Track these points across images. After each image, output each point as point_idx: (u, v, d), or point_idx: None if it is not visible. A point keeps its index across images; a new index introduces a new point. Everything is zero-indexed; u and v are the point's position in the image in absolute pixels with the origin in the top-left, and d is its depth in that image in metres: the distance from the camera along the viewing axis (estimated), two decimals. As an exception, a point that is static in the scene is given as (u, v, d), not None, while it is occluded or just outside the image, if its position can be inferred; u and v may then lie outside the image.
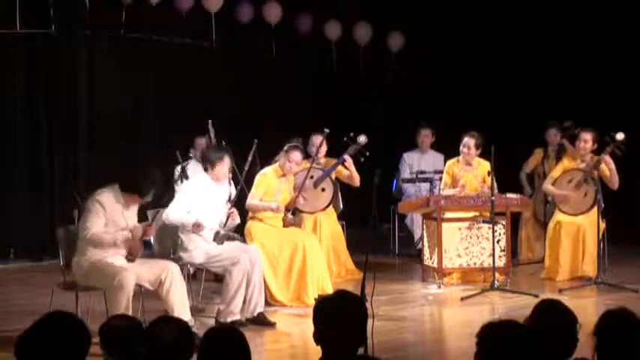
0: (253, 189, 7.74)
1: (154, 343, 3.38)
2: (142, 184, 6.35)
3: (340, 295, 3.49)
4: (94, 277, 6.20)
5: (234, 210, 7.11)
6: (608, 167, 8.56)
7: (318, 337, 3.35)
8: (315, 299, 7.35)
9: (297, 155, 7.73)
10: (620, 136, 8.45)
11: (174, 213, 6.88)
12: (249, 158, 8.10)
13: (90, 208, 6.26)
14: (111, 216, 6.26)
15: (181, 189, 7.11)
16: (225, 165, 7.08)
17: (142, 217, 6.70)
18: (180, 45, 10.90)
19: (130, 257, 6.25)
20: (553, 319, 3.61)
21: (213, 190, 7.08)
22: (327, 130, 8.65)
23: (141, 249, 6.36)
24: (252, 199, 7.71)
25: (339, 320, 3.33)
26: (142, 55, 10.75)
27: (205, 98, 10.73)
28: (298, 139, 8.27)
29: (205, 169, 7.16)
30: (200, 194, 6.97)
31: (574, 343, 3.56)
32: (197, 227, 6.82)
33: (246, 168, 8.12)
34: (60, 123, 10.31)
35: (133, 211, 6.46)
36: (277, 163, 7.84)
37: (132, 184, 6.36)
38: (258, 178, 7.76)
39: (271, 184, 7.74)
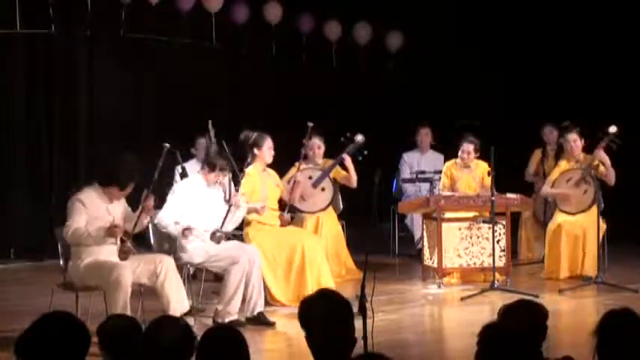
0: (240, 188, 7.73)
1: (154, 343, 3.38)
2: (119, 174, 6.31)
3: (323, 296, 3.46)
4: (90, 276, 6.19)
5: (233, 203, 7.08)
6: (603, 163, 8.55)
7: (308, 342, 3.35)
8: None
9: (270, 141, 7.71)
10: (613, 129, 8.48)
11: (165, 218, 6.85)
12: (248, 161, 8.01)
13: (70, 207, 6.25)
14: (93, 212, 6.24)
15: (173, 191, 7.07)
16: (223, 176, 7.08)
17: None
18: (181, 45, 10.90)
19: (123, 255, 6.22)
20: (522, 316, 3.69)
21: (207, 191, 7.08)
22: (310, 124, 8.58)
23: (132, 249, 6.33)
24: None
25: (326, 324, 3.31)
26: (142, 55, 10.75)
27: (205, 98, 10.73)
28: (252, 134, 8.03)
29: (203, 168, 7.14)
30: (193, 195, 6.96)
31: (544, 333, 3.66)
32: (187, 231, 6.81)
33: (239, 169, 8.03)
34: (60, 123, 10.31)
35: (119, 204, 6.43)
36: (256, 161, 7.77)
37: (108, 177, 6.33)
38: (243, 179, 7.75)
39: (256, 183, 7.71)
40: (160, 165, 6.62)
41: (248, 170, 7.76)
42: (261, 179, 7.75)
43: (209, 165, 7.08)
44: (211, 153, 7.25)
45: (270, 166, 7.95)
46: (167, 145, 6.79)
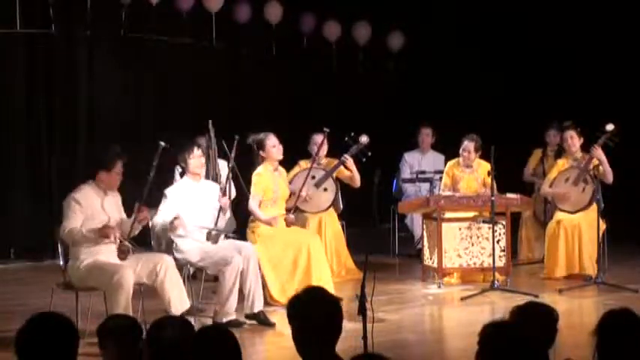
0: (252, 189, 7.72)
1: (156, 343, 3.38)
2: (101, 157, 6.41)
3: (312, 294, 3.46)
4: (92, 278, 6.19)
5: (224, 202, 7.11)
6: (599, 160, 8.55)
7: (294, 338, 3.35)
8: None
9: (273, 138, 7.70)
10: (610, 126, 8.50)
11: (158, 224, 6.85)
12: (232, 155, 7.89)
13: (65, 207, 6.28)
14: (89, 211, 6.27)
15: (165, 195, 7.06)
16: (196, 157, 7.07)
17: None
18: (180, 45, 10.90)
19: (122, 256, 6.23)
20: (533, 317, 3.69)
21: (198, 191, 7.09)
22: (327, 130, 8.64)
23: (131, 248, 6.33)
24: (253, 199, 7.67)
25: (312, 322, 3.31)
26: (142, 55, 10.75)
27: (205, 98, 10.73)
28: (257, 136, 7.95)
29: (183, 171, 7.15)
30: (185, 197, 6.96)
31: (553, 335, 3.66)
32: (176, 221, 6.75)
33: (230, 165, 7.95)
34: (60, 123, 10.31)
35: (114, 198, 6.47)
36: (265, 161, 7.77)
37: (95, 163, 6.45)
38: (254, 178, 7.73)
39: (268, 182, 7.71)
40: (154, 164, 6.63)
41: (258, 170, 7.74)
42: (272, 179, 7.75)
43: (182, 162, 7.07)
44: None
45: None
46: (162, 143, 6.72)
